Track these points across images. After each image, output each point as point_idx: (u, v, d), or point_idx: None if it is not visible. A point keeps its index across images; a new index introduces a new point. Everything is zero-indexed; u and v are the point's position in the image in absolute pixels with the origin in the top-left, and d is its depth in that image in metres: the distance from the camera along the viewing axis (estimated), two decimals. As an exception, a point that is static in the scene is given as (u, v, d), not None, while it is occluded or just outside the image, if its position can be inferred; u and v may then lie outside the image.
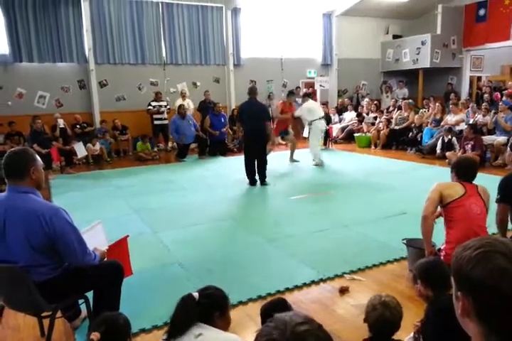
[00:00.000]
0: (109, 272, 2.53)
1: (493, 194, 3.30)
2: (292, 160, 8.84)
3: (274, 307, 1.98)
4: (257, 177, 6.90)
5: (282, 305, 1.98)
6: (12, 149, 2.41)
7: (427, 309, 2.02)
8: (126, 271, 2.94)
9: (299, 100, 12.85)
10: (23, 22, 9.80)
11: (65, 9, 10.20)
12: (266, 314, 1.97)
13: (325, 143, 10.84)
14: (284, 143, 9.95)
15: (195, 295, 1.68)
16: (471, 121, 8.91)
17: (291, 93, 9.05)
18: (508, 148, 3.61)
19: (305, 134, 9.13)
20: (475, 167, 3.17)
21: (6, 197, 2.29)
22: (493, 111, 8.57)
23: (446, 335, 1.89)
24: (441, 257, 2.94)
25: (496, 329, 0.83)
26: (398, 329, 1.95)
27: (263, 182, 6.87)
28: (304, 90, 12.01)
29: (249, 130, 6.84)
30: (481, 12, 12.50)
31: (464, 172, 3.08)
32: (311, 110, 8.42)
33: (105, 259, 2.61)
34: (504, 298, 0.81)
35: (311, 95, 9.38)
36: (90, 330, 2.59)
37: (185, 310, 1.63)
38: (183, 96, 10.62)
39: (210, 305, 1.71)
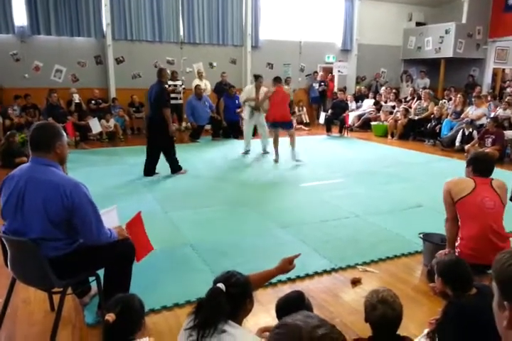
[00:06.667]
0: (122, 250, 2.50)
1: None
2: (296, 159, 7.39)
3: (291, 302, 1.92)
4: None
5: (299, 300, 1.92)
6: (39, 122, 2.44)
7: (445, 309, 1.95)
8: (148, 246, 2.94)
9: (314, 84, 12.79)
10: (41, -6, 9.68)
11: (84, -18, 10.04)
12: (282, 309, 1.92)
13: (340, 131, 10.70)
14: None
15: (222, 286, 1.59)
16: (492, 115, 8.69)
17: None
18: None
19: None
20: (492, 163, 3.09)
21: (28, 168, 2.31)
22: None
23: (468, 337, 1.83)
24: (456, 254, 2.88)
25: None
26: (401, 321, 1.88)
27: (172, 172, 6.38)
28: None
29: (147, 117, 6.32)
30: (511, 1, 12.08)
31: (481, 168, 2.99)
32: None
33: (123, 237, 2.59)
34: None
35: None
36: (100, 309, 2.60)
37: (216, 304, 1.55)
38: (200, 76, 10.48)
39: (241, 294, 1.65)
